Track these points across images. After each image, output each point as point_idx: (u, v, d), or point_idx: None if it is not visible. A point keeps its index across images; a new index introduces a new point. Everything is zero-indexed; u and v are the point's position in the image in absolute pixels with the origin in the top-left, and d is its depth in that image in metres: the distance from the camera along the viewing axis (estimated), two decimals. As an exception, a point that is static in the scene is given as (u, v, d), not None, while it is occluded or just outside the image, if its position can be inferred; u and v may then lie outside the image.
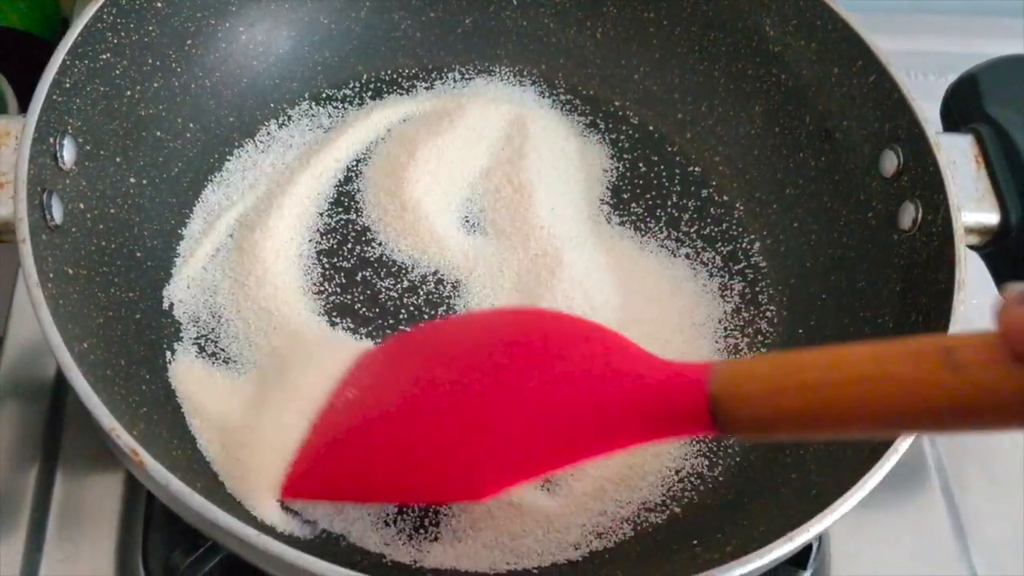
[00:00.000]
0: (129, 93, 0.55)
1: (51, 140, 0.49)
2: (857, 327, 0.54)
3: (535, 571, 0.48)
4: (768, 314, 0.58)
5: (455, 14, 0.67)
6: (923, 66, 0.78)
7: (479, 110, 0.63)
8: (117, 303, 0.51)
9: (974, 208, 0.53)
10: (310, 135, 0.63)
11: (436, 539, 0.49)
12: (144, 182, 0.56)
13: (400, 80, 0.66)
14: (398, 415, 0.45)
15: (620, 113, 0.66)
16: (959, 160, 0.54)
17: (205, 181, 0.60)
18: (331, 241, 0.59)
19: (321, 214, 0.60)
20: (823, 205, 0.59)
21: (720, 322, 0.58)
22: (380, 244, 0.59)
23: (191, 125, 0.60)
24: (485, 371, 0.43)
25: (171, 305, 0.55)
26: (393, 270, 0.58)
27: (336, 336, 0.55)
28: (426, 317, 0.56)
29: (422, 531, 0.49)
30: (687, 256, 0.60)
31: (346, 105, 0.65)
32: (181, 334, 0.54)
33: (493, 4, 0.67)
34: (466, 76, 0.67)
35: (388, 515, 0.49)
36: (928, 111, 0.54)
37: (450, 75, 0.67)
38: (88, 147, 0.52)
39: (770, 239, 0.61)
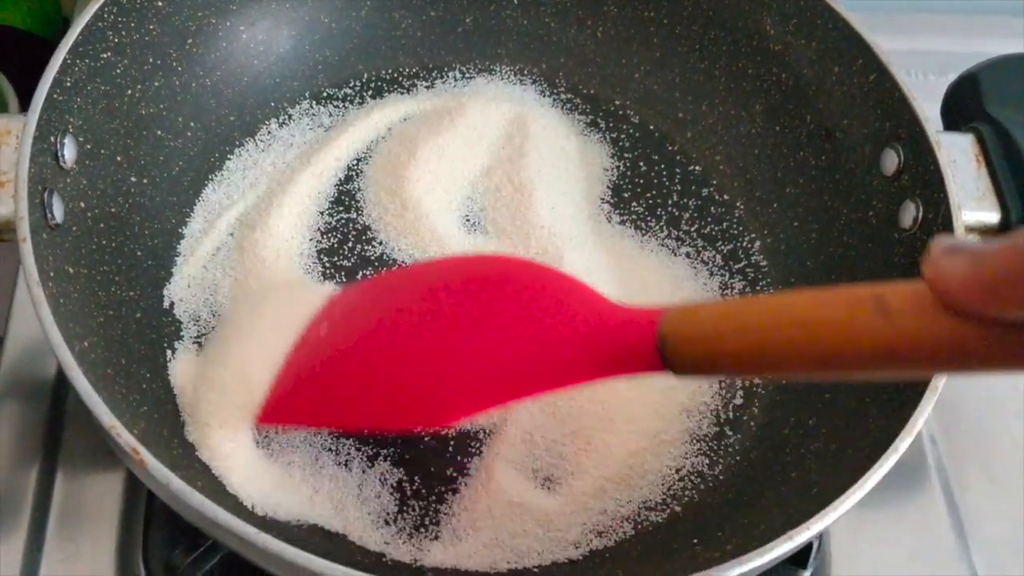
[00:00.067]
0: (130, 92, 0.55)
1: (52, 139, 0.49)
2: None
3: (535, 570, 0.48)
4: (768, 313, 0.58)
5: (456, 13, 0.67)
6: (924, 65, 0.79)
7: (480, 109, 0.63)
8: (118, 302, 0.51)
9: (974, 207, 0.53)
10: (311, 134, 0.63)
11: (436, 538, 0.49)
12: (145, 181, 0.56)
13: (401, 79, 0.66)
14: (366, 348, 0.47)
15: (621, 112, 0.66)
16: (960, 159, 0.54)
17: (206, 180, 0.60)
18: (332, 240, 0.59)
19: (322, 213, 0.60)
20: (824, 204, 0.59)
21: (720, 321, 0.57)
22: (381, 243, 0.59)
23: (192, 124, 0.60)
24: (448, 309, 0.45)
25: (171, 304, 0.55)
26: (394, 269, 0.58)
27: (308, 283, 0.56)
28: (426, 316, 0.56)
29: (422, 530, 0.49)
30: (688, 255, 0.60)
31: (347, 104, 0.65)
32: (182, 333, 0.54)
33: (494, 3, 0.68)
34: (467, 75, 0.67)
35: (388, 514, 0.49)
36: (929, 110, 0.54)
37: (451, 74, 0.67)
38: (89, 146, 0.52)
39: (771, 238, 0.61)
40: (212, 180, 0.60)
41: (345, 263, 0.58)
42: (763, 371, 0.36)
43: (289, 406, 0.48)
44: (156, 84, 0.57)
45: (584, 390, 0.53)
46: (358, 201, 0.60)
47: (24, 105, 0.68)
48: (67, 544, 0.53)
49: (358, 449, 0.51)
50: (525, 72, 0.67)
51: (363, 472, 0.50)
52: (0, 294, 0.61)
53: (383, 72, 0.66)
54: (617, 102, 0.67)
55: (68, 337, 0.43)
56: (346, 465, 0.51)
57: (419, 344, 0.45)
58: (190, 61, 0.59)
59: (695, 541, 0.48)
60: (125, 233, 0.54)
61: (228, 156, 0.61)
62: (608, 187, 0.63)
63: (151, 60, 0.57)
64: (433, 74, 0.67)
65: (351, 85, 0.66)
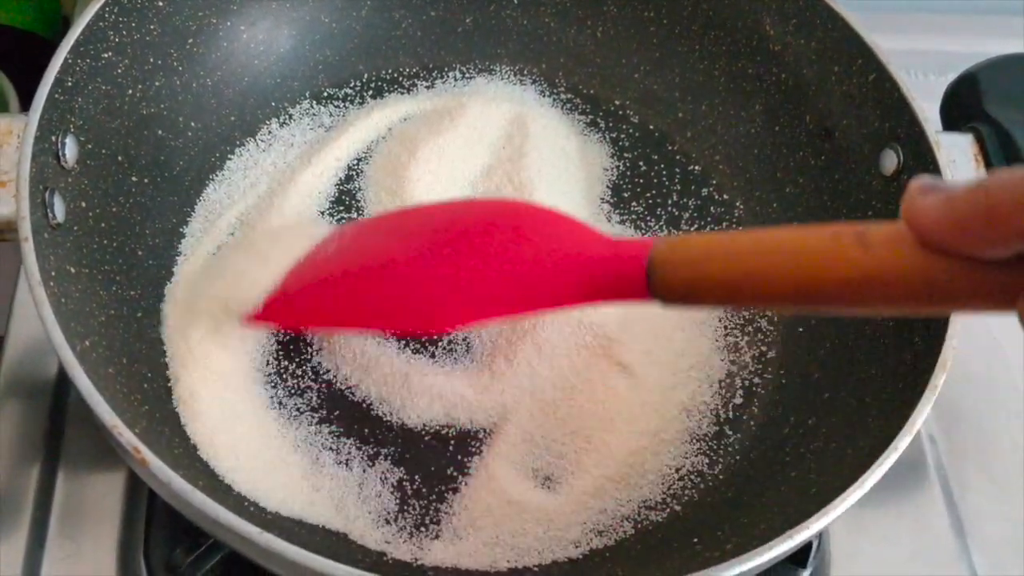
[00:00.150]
0: (131, 92, 0.56)
1: (53, 139, 0.49)
2: (857, 326, 0.54)
3: (535, 569, 0.48)
4: (768, 313, 0.58)
5: (456, 13, 0.67)
6: (923, 65, 0.79)
7: (480, 109, 0.63)
8: (119, 301, 0.52)
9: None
10: (311, 134, 0.63)
11: (437, 537, 0.49)
12: (146, 181, 0.56)
13: (401, 79, 0.67)
14: (366, 258, 0.49)
15: (620, 112, 0.66)
16: (959, 159, 0.55)
17: (206, 180, 0.60)
18: (332, 240, 0.59)
19: (322, 213, 0.60)
20: (823, 204, 0.59)
21: (720, 320, 0.58)
22: (381, 243, 0.59)
23: (192, 124, 0.60)
24: (449, 229, 0.47)
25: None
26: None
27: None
28: (427, 316, 0.56)
29: (423, 529, 0.49)
30: (687, 255, 0.60)
31: (347, 104, 0.65)
32: (182, 332, 0.54)
33: (494, 3, 0.68)
34: (467, 75, 0.67)
35: (389, 513, 0.50)
36: (928, 110, 0.54)
37: (451, 74, 0.67)
38: (90, 146, 0.52)
39: (770, 238, 0.61)
40: (213, 180, 0.60)
41: (346, 263, 0.58)
42: (745, 299, 0.37)
43: (286, 306, 0.50)
44: (157, 84, 0.57)
45: (584, 390, 0.53)
46: (358, 201, 0.60)
47: (25, 105, 0.68)
48: (68, 543, 0.53)
49: (359, 448, 0.51)
50: (525, 72, 0.68)
51: (364, 471, 0.51)
52: (1, 294, 0.61)
53: (383, 72, 0.67)
54: (617, 102, 0.67)
55: (70, 336, 0.43)
56: (347, 464, 0.51)
57: (417, 257, 0.47)
58: (191, 61, 0.60)
59: (695, 540, 0.48)
60: (126, 233, 0.54)
61: (229, 156, 0.61)
62: (608, 187, 0.63)
63: (152, 60, 0.57)
64: (433, 74, 0.67)
65: (351, 85, 0.66)
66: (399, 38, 0.67)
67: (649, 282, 0.39)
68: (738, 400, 0.55)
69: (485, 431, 0.53)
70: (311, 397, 0.53)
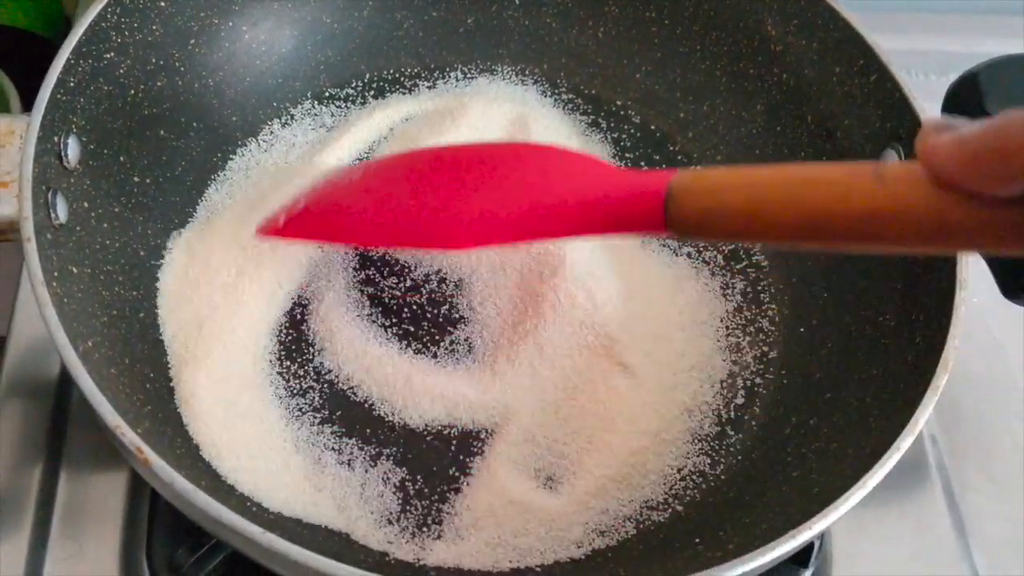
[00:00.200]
0: (133, 92, 0.56)
1: (55, 139, 0.49)
2: (859, 326, 0.54)
3: (537, 569, 0.48)
4: (770, 313, 0.58)
5: (457, 13, 0.68)
6: (924, 65, 0.79)
7: (481, 109, 0.63)
8: (121, 301, 0.52)
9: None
10: (313, 134, 0.63)
11: (439, 537, 0.49)
12: (148, 181, 0.56)
13: (402, 79, 0.67)
14: (388, 180, 0.50)
15: (622, 112, 0.66)
16: (960, 159, 0.54)
17: (208, 180, 0.60)
18: (334, 240, 0.59)
19: (324, 213, 0.60)
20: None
21: (722, 320, 0.58)
22: (383, 243, 0.59)
23: (194, 124, 0.60)
24: (472, 158, 0.48)
25: (174, 304, 0.55)
26: (396, 269, 0.58)
27: None
28: (429, 315, 0.56)
29: (425, 529, 0.49)
30: (689, 255, 0.60)
31: (349, 104, 0.65)
32: (184, 332, 0.54)
33: (495, 3, 0.68)
34: (468, 75, 0.67)
35: (391, 513, 0.50)
36: (929, 110, 0.54)
37: (452, 74, 0.67)
38: (92, 146, 0.52)
39: (772, 238, 0.61)
40: (214, 180, 0.60)
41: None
42: (759, 230, 0.37)
43: (303, 219, 0.50)
44: (159, 84, 0.57)
45: (586, 390, 0.53)
46: (360, 201, 0.60)
47: (26, 104, 0.68)
48: (70, 543, 0.53)
49: (361, 448, 0.51)
50: (527, 72, 0.68)
51: (366, 471, 0.51)
52: (3, 294, 0.61)
53: (385, 72, 0.67)
54: (618, 102, 0.67)
55: (72, 337, 0.43)
56: (349, 464, 0.51)
57: (438, 176, 0.47)
58: (193, 61, 0.60)
59: (697, 540, 0.48)
60: (128, 233, 0.54)
61: (230, 156, 0.61)
62: (610, 187, 0.63)
63: (154, 60, 0.57)
64: (435, 74, 0.67)
65: (353, 85, 0.66)
66: (401, 38, 0.67)
67: (666, 213, 0.39)
68: (740, 400, 0.55)
69: (487, 431, 0.53)
70: (313, 397, 0.53)
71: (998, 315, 0.65)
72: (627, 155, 0.64)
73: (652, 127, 0.66)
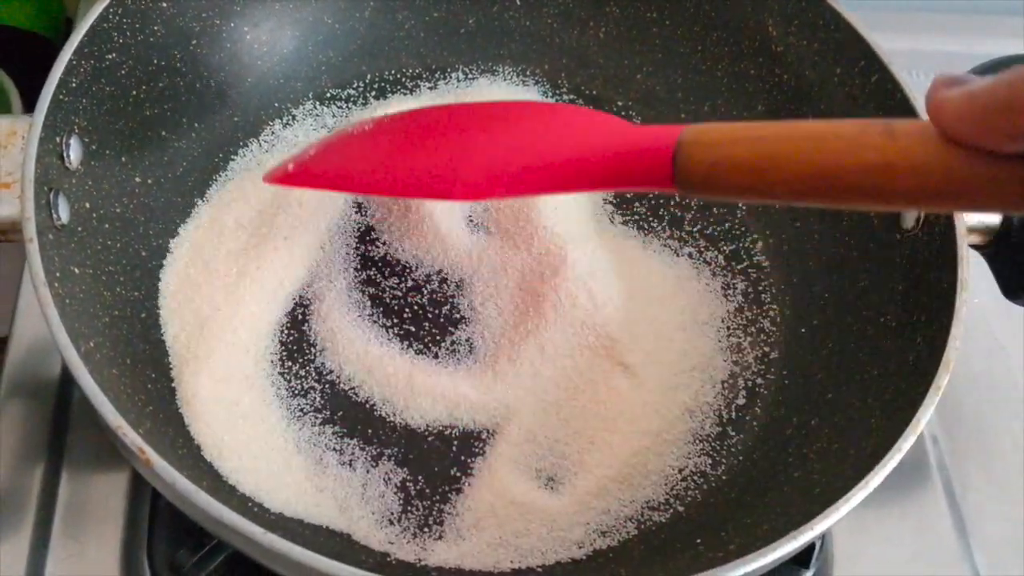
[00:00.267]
0: (135, 93, 0.56)
1: (57, 140, 0.49)
2: (860, 326, 0.54)
3: (539, 569, 0.48)
4: (771, 313, 0.58)
5: (459, 14, 0.68)
6: (925, 65, 0.78)
7: (482, 110, 0.63)
8: (122, 302, 0.52)
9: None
10: (314, 135, 0.63)
11: (440, 538, 0.49)
12: (149, 181, 0.56)
13: (404, 80, 0.67)
14: (398, 130, 0.50)
15: (623, 113, 0.66)
16: (961, 159, 0.54)
17: (210, 180, 0.60)
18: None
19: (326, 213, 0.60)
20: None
21: (723, 321, 0.58)
22: (384, 243, 0.59)
23: (196, 125, 0.60)
24: (482, 111, 0.49)
25: (176, 304, 0.55)
26: (397, 269, 0.58)
27: None
28: (430, 316, 0.56)
29: (426, 530, 0.49)
30: (690, 255, 0.60)
31: (350, 105, 0.65)
32: (186, 333, 0.54)
33: (496, 4, 0.68)
34: (469, 76, 0.67)
35: (392, 514, 0.50)
36: (930, 111, 0.54)
37: (454, 75, 0.67)
38: (94, 147, 0.52)
39: (773, 238, 0.61)
40: (216, 180, 0.60)
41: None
42: (766, 186, 0.37)
43: (311, 166, 0.50)
44: (161, 85, 0.57)
45: (587, 390, 0.54)
46: (361, 202, 0.60)
47: (28, 105, 0.68)
48: (72, 543, 0.53)
49: (362, 449, 0.51)
50: (528, 73, 0.68)
51: (367, 472, 0.51)
52: (5, 294, 0.61)
53: (386, 73, 0.67)
54: (619, 103, 0.67)
55: (74, 337, 0.43)
56: (350, 465, 0.51)
57: (448, 126, 0.47)
58: (194, 62, 0.60)
59: (698, 541, 0.48)
60: (130, 233, 0.54)
61: (232, 156, 0.61)
62: (611, 187, 0.63)
63: (156, 61, 0.57)
64: (436, 75, 0.67)
65: (354, 86, 0.66)
66: (402, 39, 0.67)
67: (674, 167, 0.38)
68: (741, 400, 0.55)
69: (488, 431, 0.53)
70: (315, 398, 0.53)
71: (999, 315, 0.65)
72: (628, 156, 0.64)
73: (653, 128, 0.66)
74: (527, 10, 0.68)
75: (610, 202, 0.62)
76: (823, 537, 0.55)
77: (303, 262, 0.57)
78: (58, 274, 0.46)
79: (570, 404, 0.53)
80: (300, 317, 0.56)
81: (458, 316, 0.56)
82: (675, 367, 0.55)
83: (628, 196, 0.62)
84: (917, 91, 0.54)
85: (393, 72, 0.67)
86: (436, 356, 0.55)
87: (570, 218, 0.60)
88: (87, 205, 0.51)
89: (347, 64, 0.66)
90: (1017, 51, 0.60)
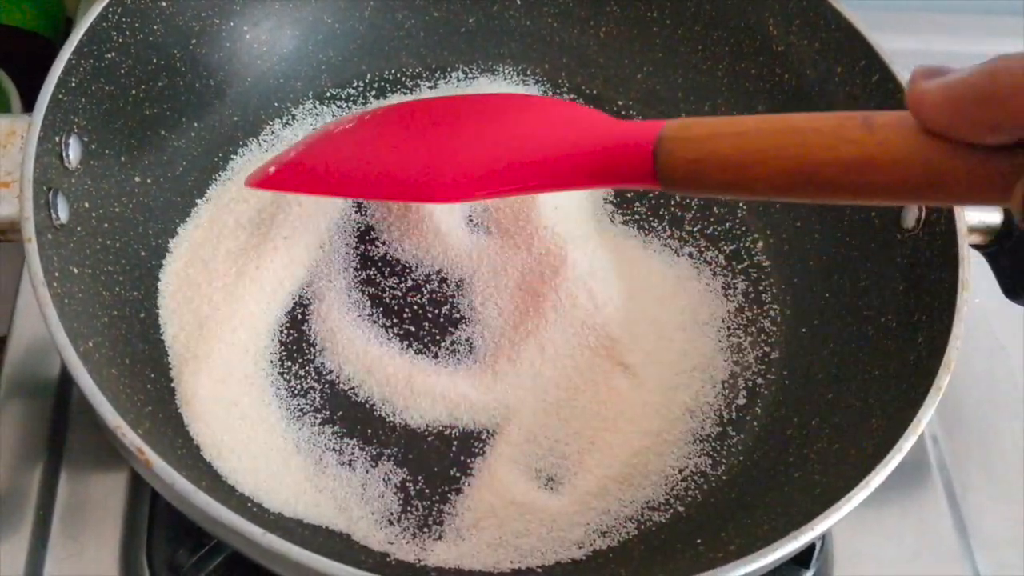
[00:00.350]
0: (134, 92, 0.56)
1: (57, 139, 0.49)
2: (860, 326, 0.54)
3: (539, 570, 0.48)
4: (771, 313, 0.58)
5: (459, 13, 0.67)
6: (926, 65, 0.78)
7: (482, 109, 0.63)
8: (122, 302, 0.52)
9: (977, 207, 0.53)
10: (314, 134, 0.63)
11: (440, 538, 0.49)
12: (149, 181, 0.56)
13: (404, 79, 0.67)
14: (378, 131, 0.50)
15: (623, 112, 0.66)
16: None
17: (209, 180, 0.60)
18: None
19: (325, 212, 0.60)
20: (826, 204, 0.59)
21: (723, 321, 0.58)
22: (384, 243, 0.59)
23: (195, 124, 0.60)
24: (461, 109, 0.48)
25: (175, 304, 0.55)
26: (397, 269, 0.58)
27: None
28: (430, 316, 0.56)
29: (426, 530, 0.49)
30: (690, 255, 0.60)
31: (350, 104, 0.65)
32: (185, 333, 0.54)
33: (497, 3, 0.68)
34: (470, 75, 0.67)
35: (392, 514, 0.50)
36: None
37: (454, 74, 0.67)
38: (93, 146, 0.52)
39: (773, 238, 0.61)
40: (216, 180, 0.60)
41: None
42: (748, 181, 0.36)
43: (292, 170, 0.50)
44: (160, 84, 0.57)
45: (587, 390, 0.53)
46: (361, 202, 0.60)
47: (27, 104, 0.68)
48: (71, 543, 0.53)
49: (362, 449, 0.51)
50: (528, 72, 0.68)
51: (367, 472, 0.51)
52: (4, 294, 0.61)
53: (386, 72, 0.67)
54: (620, 102, 0.67)
55: (73, 337, 0.43)
56: (350, 465, 0.51)
57: (427, 127, 0.47)
58: (194, 61, 0.59)
59: (698, 541, 0.48)
60: (129, 233, 0.54)
61: (232, 156, 0.61)
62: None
63: (155, 60, 0.57)
64: (436, 74, 0.67)
65: (354, 85, 0.66)
66: (402, 38, 0.67)
67: (656, 163, 0.38)
68: (741, 401, 0.55)
69: (488, 432, 0.53)
70: (314, 398, 0.53)
71: (1000, 316, 0.65)
72: (628, 155, 0.64)
73: (653, 127, 0.66)
74: (527, 9, 0.68)
75: (610, 202, 0.62)
76: (823, 537, 0.55)
77: (303, 262, 0.57)
78: (57, 274, 0.46)
79: (570, 404, 0.53)
80: (300, 317, 0.56)
81: (458, 316, 0.56)
82: (675, 367, 0.55)
83: (628, 196, 0.62)
84: (918, 91, 0.54)
85: (393, 72, 0.67)
86: (436, 356, 0.55)
87: (570, 218, 0.60)
88: (86, 205, 0.51)
89: (347, 63, 0.66)
90: (1017, 51, 0.60)
